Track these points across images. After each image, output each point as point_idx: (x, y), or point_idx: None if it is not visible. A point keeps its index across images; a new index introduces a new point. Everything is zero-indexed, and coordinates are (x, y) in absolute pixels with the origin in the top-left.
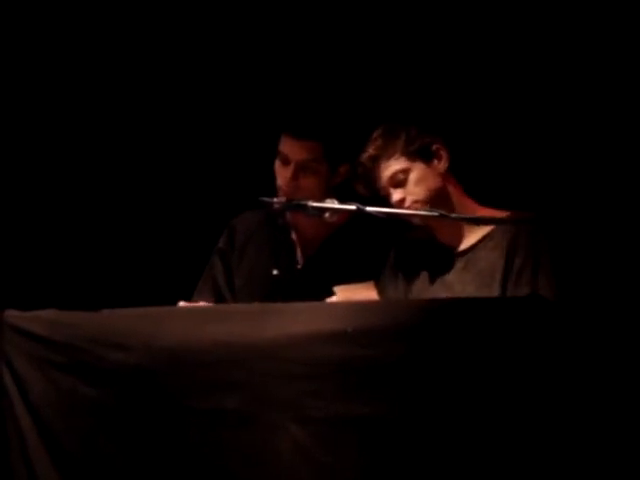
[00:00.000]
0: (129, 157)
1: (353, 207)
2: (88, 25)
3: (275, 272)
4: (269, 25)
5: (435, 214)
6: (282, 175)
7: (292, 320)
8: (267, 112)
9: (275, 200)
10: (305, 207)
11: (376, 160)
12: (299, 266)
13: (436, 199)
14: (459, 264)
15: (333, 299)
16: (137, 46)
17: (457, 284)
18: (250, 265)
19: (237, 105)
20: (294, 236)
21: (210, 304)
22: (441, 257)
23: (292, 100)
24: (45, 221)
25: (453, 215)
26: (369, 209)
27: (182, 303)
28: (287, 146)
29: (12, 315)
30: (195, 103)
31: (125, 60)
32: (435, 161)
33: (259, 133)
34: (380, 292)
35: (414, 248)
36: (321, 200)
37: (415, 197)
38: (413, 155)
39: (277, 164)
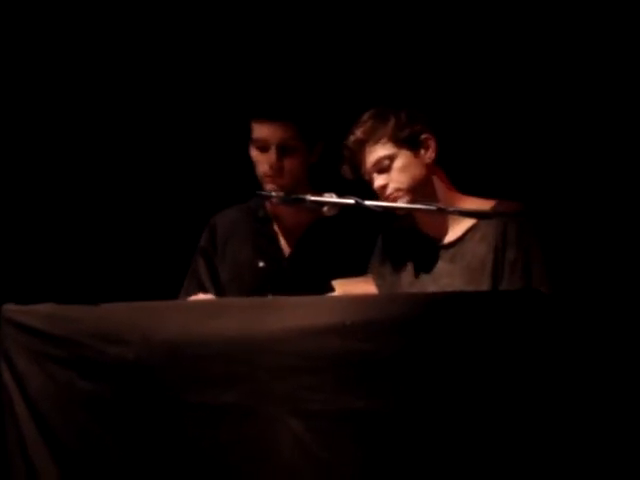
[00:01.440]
0: (122, 157)
1: (351, 201)
2: (76, 24)
3: (261, 264)
4: (230, 10)
5: (432, 208)
6: (264, 161)
7: (290, 314)
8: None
9: (274, 194)
10: (303, 201)
11: (362, 144)
12: (285, 255)
13: (419, 189)
14: (446, 256)
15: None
16: (123, 45)
17: (445, 277)
18: (235, 259)
19: (216, 102)
20: (276, 227)
21: (209, 297)
22: (427, 249)
23: (257, 86)
24: (42, 216)
25: (450, 208)
26: (367, 203)
27: (201, 295)
28: (264, 130)
29: (10, 309)
30: (182, 103)
31: (108, 59)
32: (422, 151)
33: (238, 129)
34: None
35: (400, 240)
36: (306, 182)
37: (398, 185)
38: (400, 142)
39: (255, 153)
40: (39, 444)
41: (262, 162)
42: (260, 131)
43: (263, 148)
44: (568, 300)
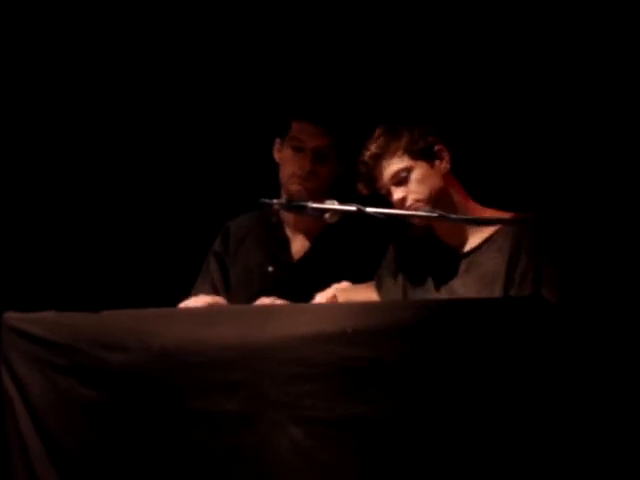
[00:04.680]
0: (128, 162)
1: (353, 208)
2: (87, 25)
3: (270, 269)
4: (279, 19)
5: (434, 215)
6: (296, 162)
7: (292, 321)
8: (261, 114)
9: (275, 201)
10: (305, 208)
11: (378, 158)
12: (294, 261)
13: (437, 199)
14: (461, 266)
15: (326, 292)
16: (133, 44)
17: (459, 287)
18: (245, 264)
19: (234, 107)
20: (288, 233)
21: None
22: (443, 258)
23: (306, 88)
24: (45, 223)
25: (452, 216)
26: (369, 210)
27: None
28: (304, 132)
29: (12, 317)
30: (193, 105)
31: (121, 59)
32: (437, 161)
33: (254, 135)
34: (378, 290)
35: (415, 248)
36: (328, 191)
37: (417, 196)
38: (416, 154)
39: (288, 152)
40: (40, 451)
41: (294, 162)
42: (301, 131)
43: (299, 149)
44: (575, 309)
